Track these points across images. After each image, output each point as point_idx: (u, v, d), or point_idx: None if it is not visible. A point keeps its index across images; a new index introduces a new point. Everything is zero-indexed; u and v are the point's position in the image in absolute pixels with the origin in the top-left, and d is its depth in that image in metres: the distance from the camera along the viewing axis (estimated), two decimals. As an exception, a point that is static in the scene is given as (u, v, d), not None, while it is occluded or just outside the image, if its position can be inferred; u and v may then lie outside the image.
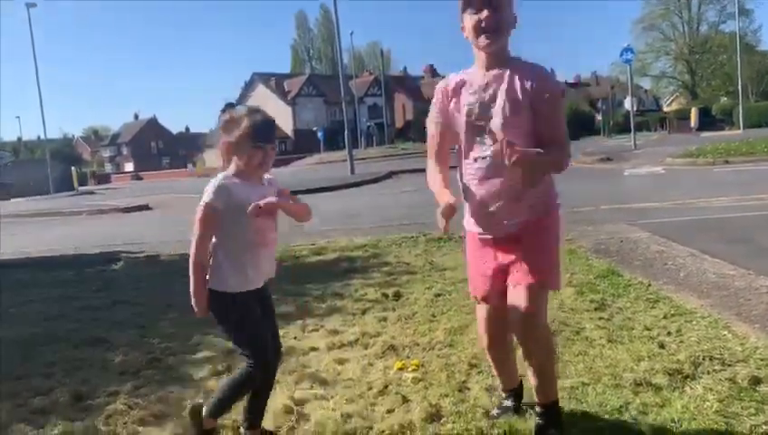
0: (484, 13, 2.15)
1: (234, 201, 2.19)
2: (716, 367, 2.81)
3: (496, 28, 2.17)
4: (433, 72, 66.90)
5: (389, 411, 2.64)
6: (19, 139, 78.58)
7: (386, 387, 2.89)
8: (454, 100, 2.30)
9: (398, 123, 62.08)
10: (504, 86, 2.18)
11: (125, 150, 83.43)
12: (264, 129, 2.24)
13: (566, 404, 2.51)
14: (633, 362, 2.93)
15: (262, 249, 2.30)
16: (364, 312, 4.23)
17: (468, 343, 3.42)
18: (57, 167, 36.13)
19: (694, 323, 3.46)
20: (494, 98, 2.20)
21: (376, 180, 18.77)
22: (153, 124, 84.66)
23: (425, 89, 62.25)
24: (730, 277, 4.42)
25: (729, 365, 2.83)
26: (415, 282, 5.00)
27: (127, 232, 10.89)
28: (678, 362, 2.87)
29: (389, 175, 19.91)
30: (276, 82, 62.96)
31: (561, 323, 3.58)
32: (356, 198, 14.18)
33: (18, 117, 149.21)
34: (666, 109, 57.90)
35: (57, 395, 3.08)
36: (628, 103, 26.02)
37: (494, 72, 2.21)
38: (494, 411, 2.54)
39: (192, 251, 2.24)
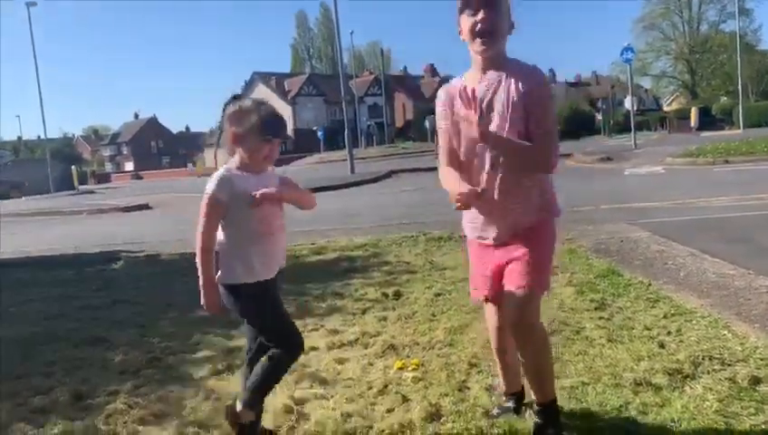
0: (480, 15, 2.16)
1: (236, 191, 2.20)
2: (716, 367, 2.81)
3: (492, 32, 2.17)
4: (433, 72, 66.94)
5: (389, 411, 2.64)
6: (19, 138, 78.58)
7: (386, 386, 2.89)
8: (454, 106, 2.31)
9: (399, 123, 62.06)
10: (501, 90, 2.19)
11: (125, 150, 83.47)
12: (273, 122, 2.25)
13: (566, 404, 2.51)
14: (633, 362, 2.93)
15: (268, 237, 2.29)
16: (364, 311, 4.23)
17: (468, 342, 3.42)
18: (57, 166, 36.12)
19: (694, 322, 3.46)
20: (491, 103, 2.21)
21: (376, 180, 18.77)
22: (153, 124, 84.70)
23: (425, 88, 62.33)
24: (730, 277, 4.42)
25: (729, 365, 2.83)
26: (415, 281, 5.00)
27: (127, 231, 10.89)
28: (678, 362, 2.87)
29: (389, 174, 19.91)
30: (276, 82, 62.93)
31: (561, 322, 3.59)
32: (356, 197, 14.18)
33: (18, 116, 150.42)
34: (666, 108, 57.86)
35: (57, 394, 3.08)
36: (628, 103, 26.00)
37: (491, 75, 2.22)
38: (494, 411, 2.55)
39: (198, 240, 2.22)
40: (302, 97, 62.36)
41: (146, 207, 16.82)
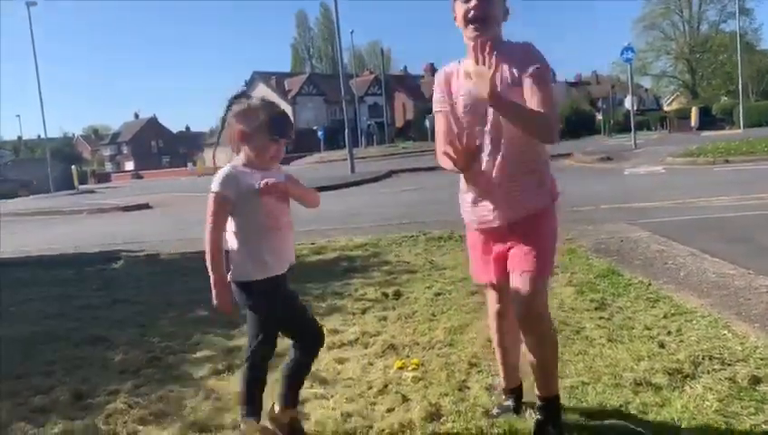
0: (473, 2, 2.18)
1: (242, 187, 2.19)
2: (716, 366, 2.81)
3: (484, 18, 2.18)
4: (433, 72, 66.29)
5: (389, 410, 2.64)
6: (19, 137, 78.51)
7: (386, 386, 2.89)
8: (452, 89, 2.33)
9: (399, 122, 62.03)
10: (494, 76, 2.18)
11: (125, 149, 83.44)
12: (282, 122, 2.25)
13: (566, 404, 2.51)
14: (633, 362, 2.93)
15: (276, 232, 2.28)
16: (364, 311, 4.23)
17: (468, 342, 3.42)
18: (57, 165, 36.09)
19: (694, 322, 3.46)
20: None
21: (376, 179, 18.76)
22: (153, 123, 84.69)
23: (425, 88, 62.16)
24: (730, 277, 4.42)
25: (729, 365, 2.83)
26: (415, 281, 5.00)
27: (127, 231, 10.88)
28: (678, 362, 2.87)
29: (390, 174, 19.90)
30: (277, 81, 62.91)
31: (561, 322, 3.58)
32: (356, 196, 14.18)
33: (18, 116, 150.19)
34: (666, 108, 57.81)
35: (57, 394, 3.08)
36: (628, 102, 25.97)
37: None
38: (494, 411, 2.54)
39: (206, 240, 2.20)
40: (303, 97, 62.35)
41: (146, 206, 16.81)
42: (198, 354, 3.58)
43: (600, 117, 42.68)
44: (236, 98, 2.27)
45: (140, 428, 2.69)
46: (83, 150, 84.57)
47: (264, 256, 2.25)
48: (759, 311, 3.62)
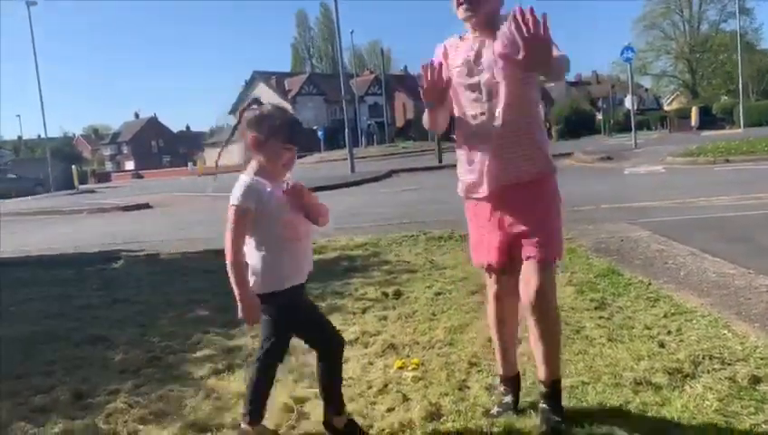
0: None
1: (263, 198, 2.19)
2: (716, 366, 2.81)
3: None
4: (433, 71, 66.74)
5: (389, 410, 2.64)
6: (19, 137, 78.62)
7: (386, 386, 2.89)
8: (449, 60, 2.37)
9: (399, 122, 62.04)
10: (491, 40, 2.24)
11: (125, 149, 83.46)
12: (296, 130, 2.26)
13: (566, 403, 2.51)
14: (633, 361, 2.93)
15: (295, 243, 2.27)
16: (364, 311, 4.23)
17: (468, 341, 3.42)
18: (57, 165, 36.11)
19: (694, 322, 3.46)
20: (479, 54, 2.27)
21: (376, 179, 18.76)
22: (153, 123, 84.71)
23: (425, 88, 62.14)
24: (730, 276, 4.42)
25: (729, 364, 2.83)
26: (415, 280, 5.00)
27: (127, 230, 10.88)
28: (678, 361, 2.87)
29: (390, 174, 19.91)
30: (277, 81, 62.96)
31: (561, 322, 3.57)
32: (356, 196, 14.18)
33: (18, 115, 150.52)
34: (666, 108, 57.83)
35: (57, 393, 3.07)
36: (628, 102, 25.97)
37: (484, 33, 2.28)
38: (494, 410, 2.54)
39: (228, 254, 2.18)
40: (303, 96, 62.35)
41: (146, 206, 16.81)
42: (198, 354, 3.58)
43: (600, 117, 42.68)
44: (251, 105, 2.28)
45: (141, 427, 2.69)
46: (83, 150, 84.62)
47: (285, 266, 2.24)
48: (759, 310, 3.62)
